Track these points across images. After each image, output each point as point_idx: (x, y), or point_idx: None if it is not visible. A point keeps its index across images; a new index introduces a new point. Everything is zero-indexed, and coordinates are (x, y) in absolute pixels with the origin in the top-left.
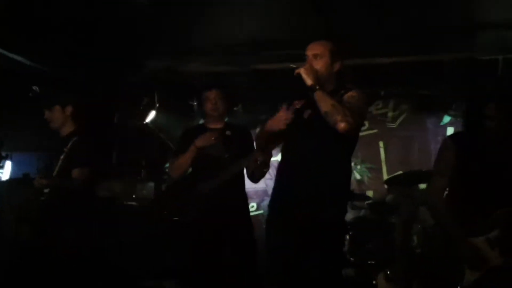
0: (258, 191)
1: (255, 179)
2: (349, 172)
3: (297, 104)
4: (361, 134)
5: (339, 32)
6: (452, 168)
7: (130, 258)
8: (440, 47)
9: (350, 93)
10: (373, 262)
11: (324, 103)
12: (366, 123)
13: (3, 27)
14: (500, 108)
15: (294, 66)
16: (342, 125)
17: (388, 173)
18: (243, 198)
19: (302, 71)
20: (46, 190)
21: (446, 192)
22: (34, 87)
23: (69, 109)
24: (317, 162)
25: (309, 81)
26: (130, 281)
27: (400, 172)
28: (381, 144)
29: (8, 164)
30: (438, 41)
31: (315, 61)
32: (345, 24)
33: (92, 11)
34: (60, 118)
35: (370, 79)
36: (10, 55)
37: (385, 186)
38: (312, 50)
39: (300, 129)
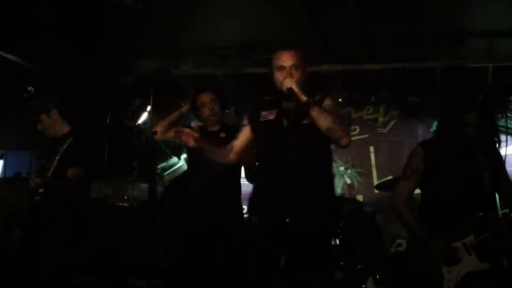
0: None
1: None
2: (333, 178)
3: (270, 115)
4: (352, 138)
5: (330, 37)
6: (420, 174)
7: (120, 257)
8: (430, 54)
9: (327, 102)
10: (362, 266)
11: (325, 120)
12: (357, 128)
13: None
14: (481, 116)
15: None
16: (345, 141)
17: (378, 178)
18: (235, 200)
19: (294, 86)
20: (41, 190)
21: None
22: (29, 88)
23: (55, 113)
24: (304, 170)
25: (303, 97)
26: (120, 280)
27: (390, 177)
28: (371, 149)
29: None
30: (429, 48)
31: (294, 72)
32: (336, 29)
33: (84, 12)
34: (49, 124)
35: (360, 85)
36: (3, 54)
37: (375, 191)
38: (289, 60)
39: (282, 138)
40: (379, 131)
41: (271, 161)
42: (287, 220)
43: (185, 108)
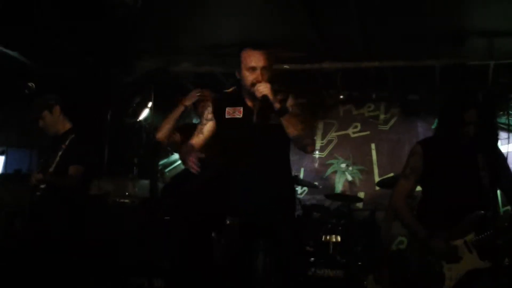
0: None
1: None
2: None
3: (236, 113)
4: (353, 135)
5: (330, 35)
6: (419, 173)
7: (121, 255)
8: (430, 53)
9: (290, 102)
10: (362, 264)
11: (294, 127)
12: (358, 125)
13: None
14: (480, 114)
15: (287, 67)
16: (312, 149)
17: (379, 175)
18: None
19: (269, 94)
20: (42, 186)
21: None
22: (30, 84)
23: (57, 110)
24: (271, 168)
25: (277, 105)
26: (121, 278)
27: (392, 174)
28: (372, 146)
29: (0, 159)
30: (429, 47)
31: (265, 74)
32: (336, 28)
33: (84, 12)
34: (51, 121)
35: (360, 83)
36: (5, 50)
37: (377, 188)
38: (260, 61)
39: (250, 138)
40: (380, 128)
41: (240, 160)
42: (257, 217)
43: (190, 101)
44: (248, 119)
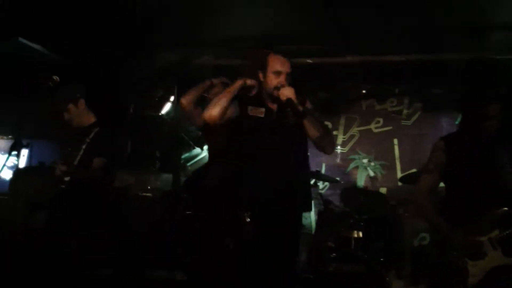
0: None
1: None
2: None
3: (259, 112)
4: (375, 130)
5: (350, 29)
6: (442, 168)
7: (143, 248)
8: (455, 46)
9: (308, 105)
10: (384, 259)
11: (315, 129)
12: (380, 120)
13: (23, 17)
14: (504, 109)
15: (310, 61)
16: (330, 150)
17: (401, 171)
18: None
19: (293, 97)
20: (66, 179)
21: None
22: (54, 77)
23: (82, 103)
24: (292, 164)
25: (300, 107)
26: (143, 271)
27: (414, 170)
28: (395, 141)
29: (25, 152)
30: (454, 40)
31: (287, 80)
32: (358, 21)
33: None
34: (76, 114)
35: (383, 77)
36: (31, 44)
37: (399, 183)
38: (286, 67)
39: (270, 137)
40: (403, 123)
41: (258, 156)
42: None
43: (217, 81)
44: (269, 119)
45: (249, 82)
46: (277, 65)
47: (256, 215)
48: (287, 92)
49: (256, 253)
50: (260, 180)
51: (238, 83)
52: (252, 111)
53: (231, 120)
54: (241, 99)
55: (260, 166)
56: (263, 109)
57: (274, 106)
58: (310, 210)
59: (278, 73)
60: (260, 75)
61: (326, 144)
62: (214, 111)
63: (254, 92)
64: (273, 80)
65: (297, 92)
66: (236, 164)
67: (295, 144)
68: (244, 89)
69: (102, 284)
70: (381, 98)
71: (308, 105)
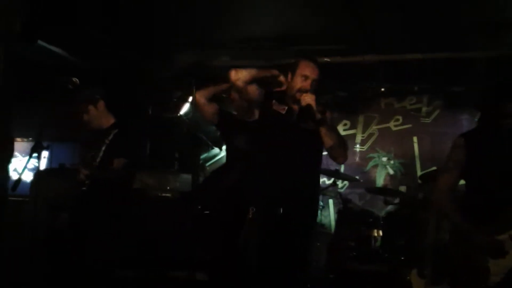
0: None
1: None
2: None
3: (281, 109)
4: (394, 129)
5: (372, 27)
6: (462, 166)
7: (163, 248)
8: (475, 44)
9: (328, 115)
10: (405, 258)
11: (330, 138)
12: (400, 118)
13: (42, 20)
14: None
15: (328, 60)
16: (343, 161)
17: (421, 169)
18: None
19: (313, 104)
20: (87, 181)
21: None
22: (74, 79)
23: (101, 104)
24: (300, 168)
25: (318, 115)
26: (162, 271)
27: (434, 168)
28: (414, 139)
29: (45, 154)
30: (473, 38)
31: (311, 86)
32: (377, 19)
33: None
34: (96, 115)
35: (402, 75)
36: (49, 46)
37: (419, 181)
38: (315, 74)
39: (287, 136)
40: (422, 121)
41: (272, 155)
42: (280, 210)
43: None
44: (290, 118)
45: (281, 77)
46: (307, 69)
47: (261, 211)
48: (308, 99)
49: (260, 252)
50: (267, 176)
51: (274, 71)
52: (275, 105)
53: (254, 102)
54: (267, 92)
55: (271, 163)
56: (286, 107)
57: (296, 108)
58: (315, 214)
59: (305, 77)
60: (289, 76)
61: (338, 155)
62: (243, 72)
63: (280, 89)
64: (299, 83)
65: (316, 93)
66: (252, 158)
67: (308, 147)
68: (274, 81)
69: (123, 285)
70: (400, 96)
71: (328, 115)
